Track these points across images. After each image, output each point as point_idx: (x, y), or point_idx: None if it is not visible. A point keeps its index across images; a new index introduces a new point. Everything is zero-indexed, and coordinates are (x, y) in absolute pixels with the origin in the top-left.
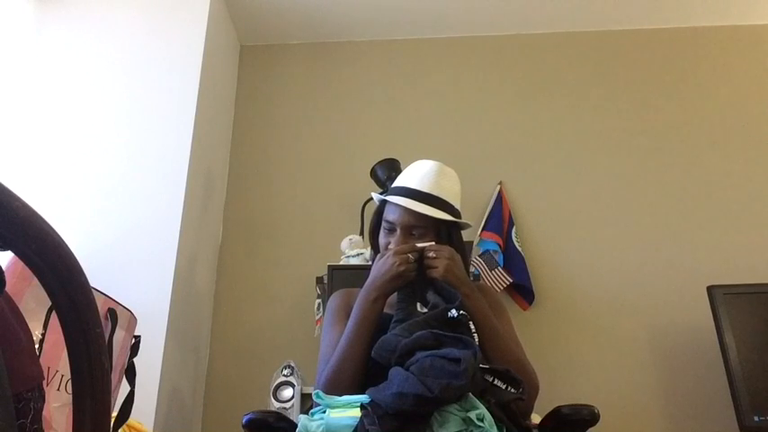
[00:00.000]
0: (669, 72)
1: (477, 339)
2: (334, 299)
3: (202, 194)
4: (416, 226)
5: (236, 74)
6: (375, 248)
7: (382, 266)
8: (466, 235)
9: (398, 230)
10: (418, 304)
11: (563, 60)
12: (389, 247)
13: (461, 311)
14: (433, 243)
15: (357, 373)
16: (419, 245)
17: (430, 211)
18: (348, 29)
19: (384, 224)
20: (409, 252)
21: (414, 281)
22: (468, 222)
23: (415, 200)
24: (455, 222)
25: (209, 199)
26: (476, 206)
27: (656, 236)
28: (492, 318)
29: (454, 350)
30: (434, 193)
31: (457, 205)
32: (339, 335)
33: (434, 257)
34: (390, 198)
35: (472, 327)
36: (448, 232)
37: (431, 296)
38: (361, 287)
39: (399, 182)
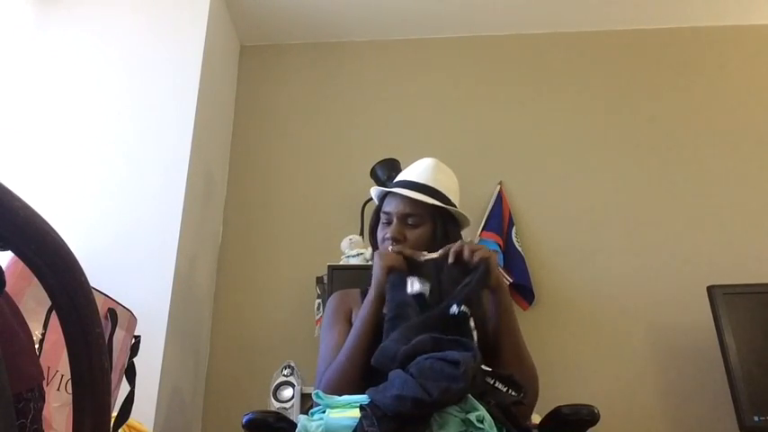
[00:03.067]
0: (669, 72)
1: (475, 337)
2: (333, 300)
3: (202, 194)
4: (412, 214)
5: (236, 74)
6: (374, 246)
7: (374, 266)
8: (466, 235)
9: (395, 219)
10: (408, 283)
11: (563, 60)
12: (386, 237)
13: (462, 308)
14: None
15: (360, 373)
16: (432, 254)
17: (424, 197)
18: (348, 29)
19: (382, 217)
20: (399, 251)
21: (405, 271)
22: (466, 215)
23: (409, 189)
24: (451, 215)
25: (209, 199)
26: (476, 206)
27: (656, 236)
28: (516, 319)
29: (454, 352)
30: (429, 183)
31: (454, 200)
32: (338, 336)
33: (477, 249)
34: (386, 189)
35: (472, 324)
36: (443, 222)
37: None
38: (361, 287)
39: (398, 178)
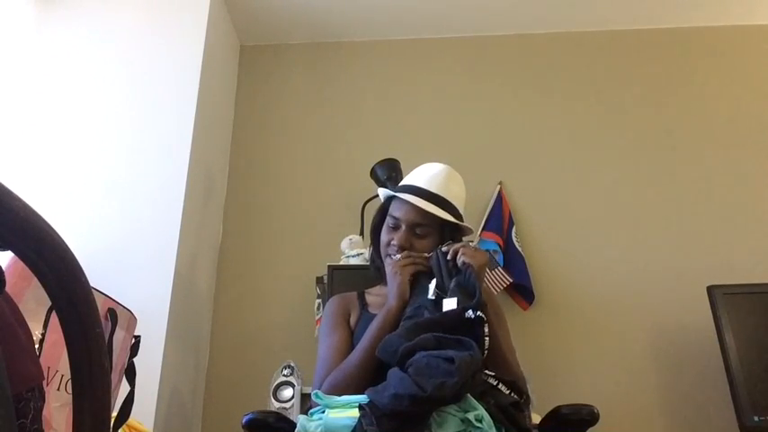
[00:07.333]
0: (669, 72)
1: (487, 343)
2: (331, 303)
3: (202, 194)
4: (421, 224)
5: (236, 74)
6: (375, 245)
7: (395, 277)
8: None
9: (403, 227)
10: (430, 288)
11: (563, 60)
12: (392, 243)
13: (478, 313)
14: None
15: (370, 377)
16: (444, 248)
17: (436, 210)
18: (348, 29)
19: (388, 220)
20: (413, 262)
21: (429, 272)
22: (471, 227)
23: (422, 198)
24: (458, 226)
25: (209, 199)
26: (476, 206)
27: (656, 236)
28: (498, 333)
29: (450, 351)
30: (441, 194)
31: (461, 210)
32: (338, 339)
33: (474, 250)
34: (397, 194)
35: (486, 329)
36: (450, 232)
37: (449, 283)
38: (361, 288)
39: (407, 181)
